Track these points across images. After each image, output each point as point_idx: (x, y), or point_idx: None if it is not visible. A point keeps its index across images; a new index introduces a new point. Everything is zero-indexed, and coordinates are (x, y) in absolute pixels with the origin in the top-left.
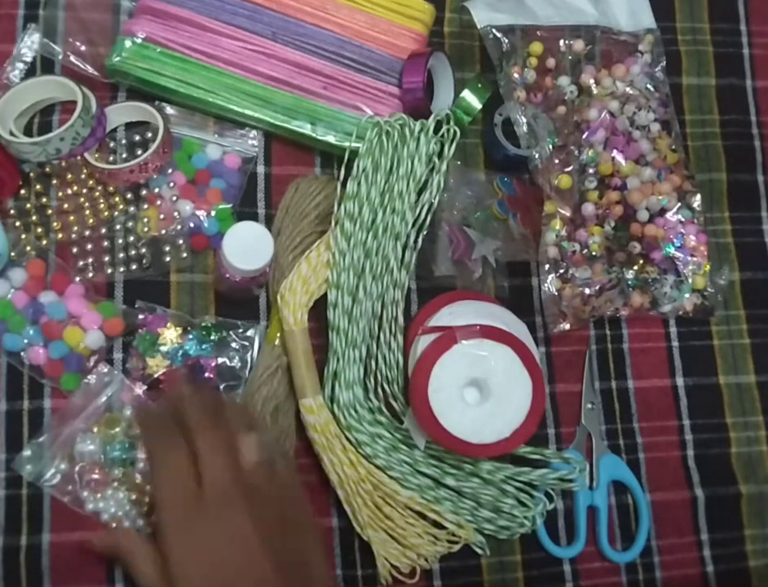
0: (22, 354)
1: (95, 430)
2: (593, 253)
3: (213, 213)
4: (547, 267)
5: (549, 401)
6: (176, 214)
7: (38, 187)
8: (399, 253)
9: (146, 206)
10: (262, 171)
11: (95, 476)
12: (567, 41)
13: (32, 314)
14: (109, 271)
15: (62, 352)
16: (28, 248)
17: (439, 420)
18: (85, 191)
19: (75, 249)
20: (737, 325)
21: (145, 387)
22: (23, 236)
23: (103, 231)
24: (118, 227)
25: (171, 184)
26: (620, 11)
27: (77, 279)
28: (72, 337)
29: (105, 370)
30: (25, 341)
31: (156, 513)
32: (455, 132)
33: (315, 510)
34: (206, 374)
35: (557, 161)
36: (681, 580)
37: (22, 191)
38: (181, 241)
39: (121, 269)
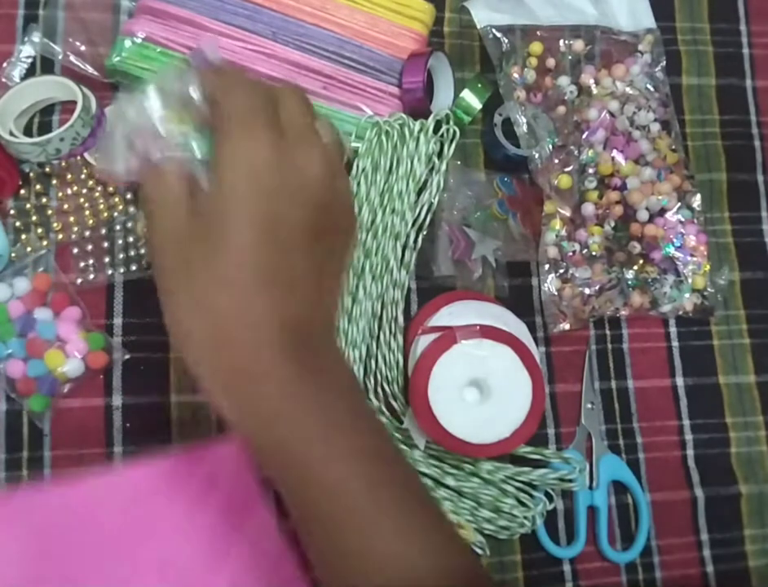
0: (1, 365)
1: None
2: (593, 253)
3: None
4: (547, 266)
5: (549, 401)
6: None
7: (38, 187)
8: (398, 253)
9: None
10: None
11: None
12: (566, 41)
13: (22, 326)
14: (109, 271)
15: (39, 372)
16: (29, 248)
17: (439, 420)
18: (85, 191)
19: (75, 250)
20: (737, 325)
21: None
22: (23, 237)
23: (103, 231)
24: (118, 227)
25: None
26: (620, 11)
27: (79, 281)
28: (52, 359)
29: None
30: (9, 351)
31: (219, 123)
32: (455, 132)
33: None
34: None
35: (557, 161)
36: (681, 580)
37: (22, 192)
38: None
39: (122, 270)
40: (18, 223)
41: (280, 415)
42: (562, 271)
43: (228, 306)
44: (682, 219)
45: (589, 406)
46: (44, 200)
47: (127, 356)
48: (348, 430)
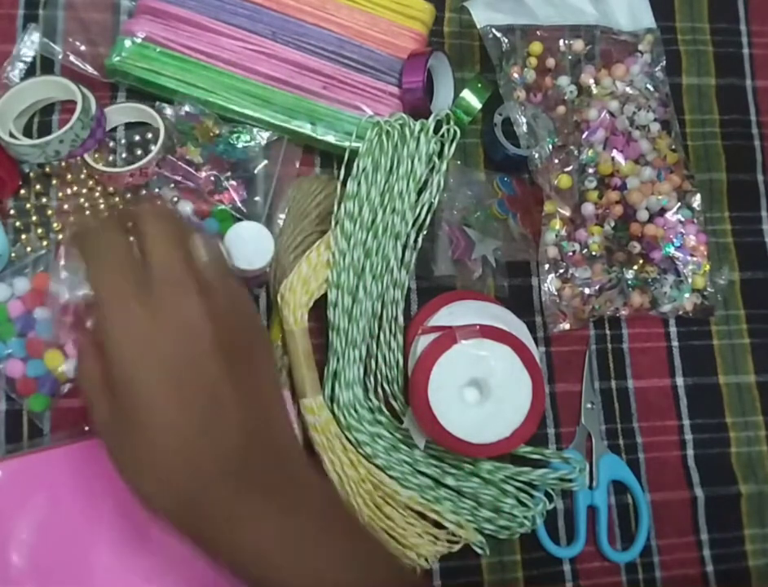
0: (0, 364)
1: None
2: (593, 253)
3: (212, 213)
4: (547, 266)
5: (549, 401)
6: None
7: (38, 187)
8: (399, 252)
9: None
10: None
11: None
12: (566, 41)
13: (21, 326)
14: None
15: (38, 372)
16: (29, 248)
17: (439, 420)
18: (85, 191)
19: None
20: (737, 325)
21: None
22: (23, 237)
23: None
24: None
25: (172, 185)
26: (620, 11)
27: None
28: (51, 359)
29: None
30: (9, 351)
31: (95, 309)
32: (455, 132)
33: None
34: None
35: (556, 161)
36: (681, 579)
37: (22, 192)
38: None
39: None
40: (18, 223)
41: (233, 539)
42: (562, 270)
43: (163, 467)
44: (682, 219)
45: (589, 406)
46: (44, 200)
47: None
48: (311, 557)
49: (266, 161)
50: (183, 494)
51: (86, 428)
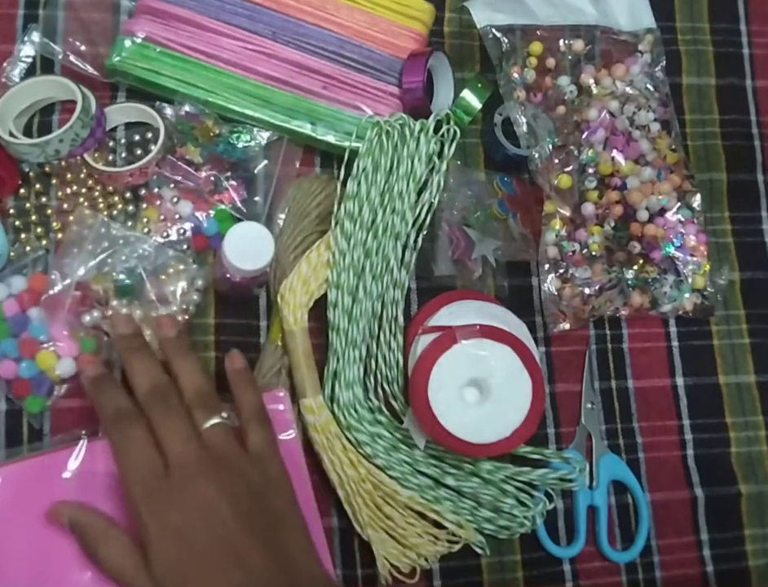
0: None
1: None
2: (593, 253)
3: (212, 213)
4: (547, 266)
5: (549, 401)
6: (176, 215)
7: (38, 186)
8: (399, 252)
9: (145, 206)
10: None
11: None
12: (566, 41)
13: (15, 326)
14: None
15: (32, 373)
16: (28, 248)
17: (439, 420)
18: (84, 190)
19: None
20: (737, 325)
21: None
22: (22, 236)
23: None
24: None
25: (172, 185)
26: (620, 11)
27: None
28: (44, 360)
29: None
30: (2, 351)
31: (125, 495)
32: (455, 132)
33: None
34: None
35: (556, 161)
36: (681, 579)
37: (21, 191)
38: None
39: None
40: (17, 223)
41: None
42: (562, 270)
43: None
44: (682, 219)
45: (589, 406)
46: (44, 199)
47: None
48: None
49: (266, 161)
50: None
51: (83, 432)
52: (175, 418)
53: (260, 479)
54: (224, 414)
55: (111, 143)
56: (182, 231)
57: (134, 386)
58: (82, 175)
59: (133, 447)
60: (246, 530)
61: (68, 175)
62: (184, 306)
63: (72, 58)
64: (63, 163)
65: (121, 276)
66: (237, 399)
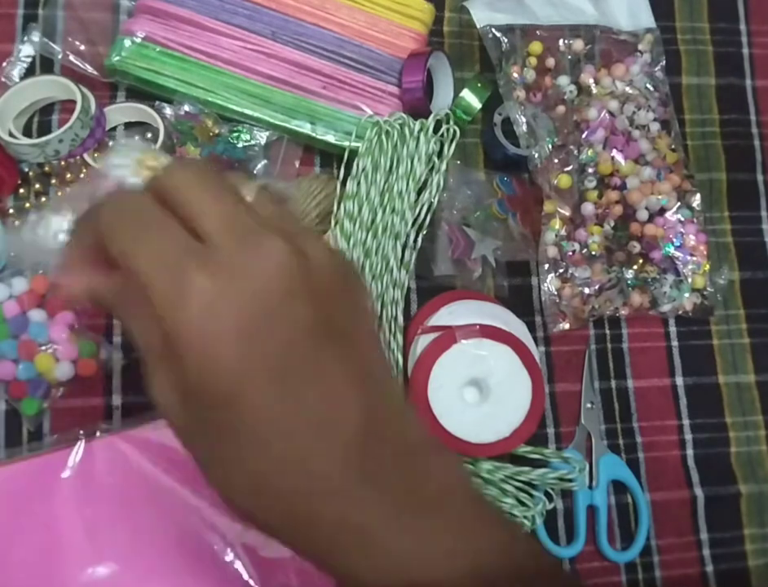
0: None
1: None
2: (593, 253)
3: None
4: (546, 266)
5: (549, 401)
6: None
7: (37, 186)
8: (398, 252)
9: None
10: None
11: None
12: (566, 41)
13: (15, 327)
14: None
15: (30, 375)
16: None
17: (439, 419)
18: None
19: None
20: (737, 325)
21: None
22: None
23: None
24: None
25: None
26: (620, 11)
27: None
28: (42, 362)
29: None
30: (1, 353)
31: (145, 298)
32: (454, 132)
33: None
34: None
35: (556, 161)
36: (681, 579)
37: (21, 191)
38: None
39: None
40: (17, 223)
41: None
42: (561, 270)
43: (271, 477)
44: (682, 219)
45: (589, 406)
46: (43, 199)
47: (125, 362)
48: (462, 554)
49: (265, 161)
50: (298, 507)
51: (81, 432)
52: (216, 193)
53: (335, 281)
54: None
55: (111, 143)
56: None
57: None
58: (82, 175)
59: (151, 231)
60: (326, 331)
61: (68, 175)
62: None
63: (71, 58)
64: (62, 163)
65: None
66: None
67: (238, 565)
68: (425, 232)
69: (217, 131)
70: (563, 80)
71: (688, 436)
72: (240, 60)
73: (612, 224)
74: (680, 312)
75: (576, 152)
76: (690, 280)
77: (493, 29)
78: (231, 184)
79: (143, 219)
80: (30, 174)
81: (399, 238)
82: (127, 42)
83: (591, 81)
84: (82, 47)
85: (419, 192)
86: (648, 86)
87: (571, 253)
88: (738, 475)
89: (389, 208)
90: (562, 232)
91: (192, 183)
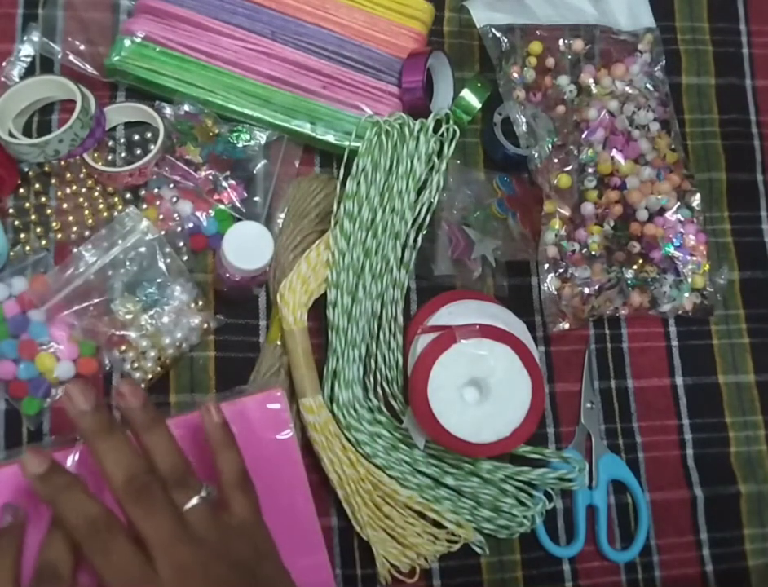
0: None
1: None
2: (593, 253)
3: (212, 213)
4: (546, 266)
5: (549, 400)
6: (176, 214)
7: (37, 186)
8: (398, 252)
9: (145, 206)
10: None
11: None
12: (566, 41)
13: (15, 327)
14: (109, 272)
15: (30, 374)
16: (27, 248)
17: (439, 419)
18: (84, 190)
19: (74, 250)
20: (736, 325)
21: None
22: (22, 236)
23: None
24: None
25: (171, 185)
26: (620, 11)
27: None
28: (43, 362)
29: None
30: (1, 352)
31: None
32: (454, 131)
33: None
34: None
35: (556, 161)
36: (681, 579)
37: (21, 191)
38: (181, 243)
39: (122, 270)
40: (17, 222)
41: None
42: (561, 270)
43: None
44: (682, 219)
45: (589, 405)
46: (43, 199)
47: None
48: None
49: (265, 161)
50: None
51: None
52: (157, 513)
53: (248, 552)
54: (203, 492)
55: (110, 143)
56: (178, 228)
57: (108, 477)
58: (82, 175)
59: (117, 562)
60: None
61: (68, 175)
62: (177, 343)
63: (71, 57)
64: (62, 163)
65: (151, 290)
66: (218, 462)
67: None
68: (424, 232)
69: (217, 131)
70: (563, 80)
71: (688, 436)
72: (240, 60)
73: (612, 224)
74: (680, 312)
75: (575, 151)
76: (689, 279)
77: (493, 29)
78: (158, 485)
79: (111, 546)
80: (30, 174)
81: (398, 238)
82: (127, 42)
83: (591, 81)
84: (82, 47)
85: (419, 192)
86: (648, 85)
87: (570, 253)
88: (737, 475)
89: (389, 207)
90: (562, 232)
91: (124, 480)
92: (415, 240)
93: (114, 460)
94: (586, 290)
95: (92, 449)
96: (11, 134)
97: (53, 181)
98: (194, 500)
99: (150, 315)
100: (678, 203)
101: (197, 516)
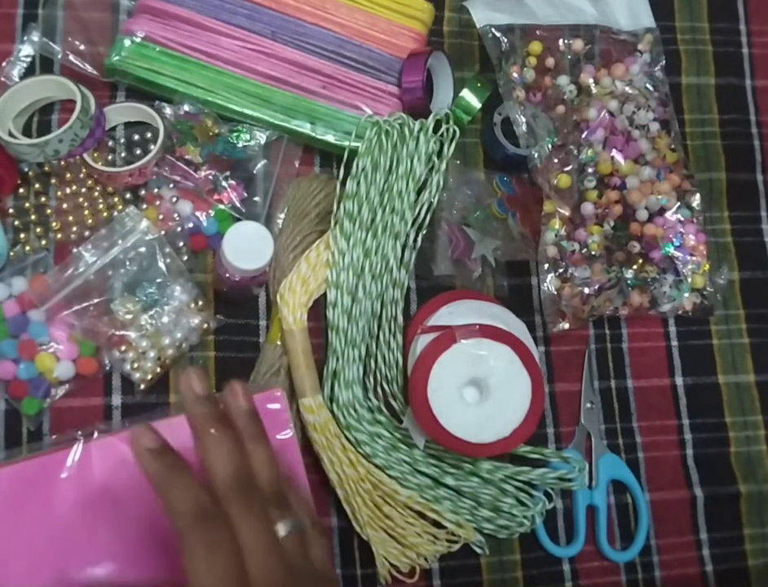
0: None
1: None
2: (593, 253)
3: (212, 213)
4: (546, 266)
5: (549, 400)
6: (176, 214)
7: (37, 186)
8: (398, 252)
9: (145, 206)
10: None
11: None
12: (566, 41)
13: (15, 327)
14: (109, 272)
15: (30, 374)
16: (27, 248)
17: (439, 419)
18: (84, 190)
19: (74, 250)
20: (736, 325)
21: None
22: (22, 236)
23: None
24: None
25: (171, 185)
26: (620, 11)
27: None
28: (43, 362)
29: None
30: (1, 352)
31: None
32: (454, 131)
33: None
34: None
35: (556, 161)
36: (681, 579)
37: (21, 190)
38: (181, 243)
39: (121, 270)
40: (17, 222)
41: None
42: (561, 270)
43: None
44: (682, 219)
45: (589, 405)
46: (43, 199)
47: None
48: None
49: (265, 161)
50: None
51: (79, 433)
52: (256, 519)
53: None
54: (296, 519)
55: (110, 143)
56: (178, 228)
57: (214, 472)
58: (82, 175)
59: (219, 557)
60: None
61: (68, 175)
62: (177, 343)
63: (71, 57)
64: (62, 163)
65: (151, 290)
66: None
67: None
68: (424, 232)
69: (217, 131)
70: (563, 80)
71: (688, 436)
72: (240, 60)
73: (612, 224)
74: (680, 312)
75: (575, 151)
76: (689, 279)
77: (493, 29)
78: (262, 502)
79: (217, 537)
80: (30, 173)
81: (398, 238)
82: (127, 42)
83: (591, 80)
84: (82, 47)
85: (419, 192)
86: (648, 85)
87: (570, 253)
88: (737, 475)
89: (389, 208)
90: (562, 232)
91: (229, 483)
92: (415, 240)
93: (225, 451)
94: (586, 290)
95: (200, 436)
96: (11, 134)
97: (53, 181)
98: (288, 525)
99: (150, 315)
100: (678, 203)
101: (292, 547)
